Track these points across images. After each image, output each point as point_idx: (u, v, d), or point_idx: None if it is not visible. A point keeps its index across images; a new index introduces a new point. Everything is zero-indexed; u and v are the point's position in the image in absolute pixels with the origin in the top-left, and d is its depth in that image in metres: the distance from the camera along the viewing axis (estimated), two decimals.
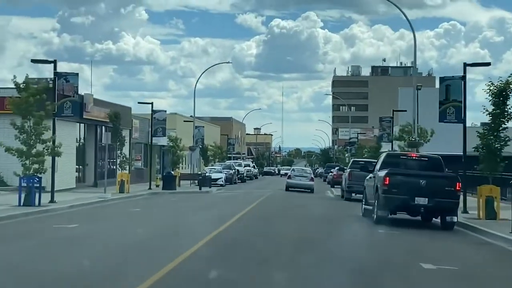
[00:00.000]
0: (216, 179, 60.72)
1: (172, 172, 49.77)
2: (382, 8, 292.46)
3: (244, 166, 78.53)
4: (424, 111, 68.50)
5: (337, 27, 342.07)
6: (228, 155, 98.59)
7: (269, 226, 21.56)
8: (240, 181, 73.89)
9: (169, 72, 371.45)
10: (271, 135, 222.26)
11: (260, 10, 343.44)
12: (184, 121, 70.56)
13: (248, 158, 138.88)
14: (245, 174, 76.41)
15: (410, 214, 24.78)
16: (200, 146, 76.29)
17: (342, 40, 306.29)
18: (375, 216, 24.24)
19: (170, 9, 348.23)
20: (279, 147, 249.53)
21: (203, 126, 69.12)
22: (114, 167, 49.74)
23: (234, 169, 70.22)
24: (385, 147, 72.99)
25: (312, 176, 55.36)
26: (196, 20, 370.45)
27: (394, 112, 53.70)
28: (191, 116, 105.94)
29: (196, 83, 62.14)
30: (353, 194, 40.76)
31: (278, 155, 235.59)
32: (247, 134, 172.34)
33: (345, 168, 47.66)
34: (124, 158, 44.95)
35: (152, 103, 49.72)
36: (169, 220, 23.70)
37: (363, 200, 27.75)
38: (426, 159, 25.62)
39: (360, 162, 42.37)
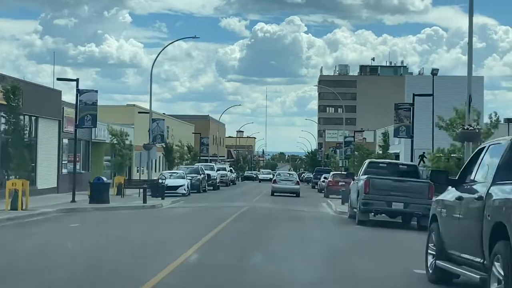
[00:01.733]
0: (176, 187, 45.15)
1: (104, 179, 33.99)
2: (365, 13, 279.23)
3: (218, 170, 62.73)
4: (440, 99, 53.65)
5: (320, 31, 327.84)
6: (202, 157, 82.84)
7: None
8: (211, 188, 58.34)
9: (153, 75, 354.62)
10: (254, 138, 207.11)
11: (243, 14, 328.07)
12: (139, 112, 54.84)
13: (228, 161, 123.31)
14: (218, 180, 60.70)
15: None
16: (164, 145, 60.68)
17: (326, 45, 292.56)
18: None
19: (153, 12, 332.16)
20: (263, 151, 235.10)
21: (163, 119, 53.40)
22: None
23: (203, 173, 54.58)
24: (394, 147, 57.62)
25: (298, 180, 52.31)
26: (180, 24, 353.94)
27: (414, 97, 38.15)
28: (163, 113, 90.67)
29: (154, 62, 45.18)
30: (372, 214, 25.38)
31: (261, 158, 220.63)
32: (229, 137, 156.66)
33: (353, 173, 31.42)
34: (20, 158, 29.09)
35: (77, 80, 34.08)
36: None
37: (431, 246, 11.97)
38: None
39: (382, 165, 26.92)
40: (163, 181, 42.23)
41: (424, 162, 30.78)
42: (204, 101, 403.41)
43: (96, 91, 34.56)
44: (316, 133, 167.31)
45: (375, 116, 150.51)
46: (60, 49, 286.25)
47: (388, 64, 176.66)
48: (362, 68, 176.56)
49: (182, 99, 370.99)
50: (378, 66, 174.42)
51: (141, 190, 40.37)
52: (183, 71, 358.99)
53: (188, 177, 49.44)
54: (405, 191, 24.17)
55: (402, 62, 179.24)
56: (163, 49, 55.40)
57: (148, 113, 48.48)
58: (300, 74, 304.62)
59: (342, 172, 50.32)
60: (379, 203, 24.29)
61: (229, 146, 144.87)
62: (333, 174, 48.77)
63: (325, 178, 53.18)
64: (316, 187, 70.16)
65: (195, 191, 50.85)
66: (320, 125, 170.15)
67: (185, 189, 45.60)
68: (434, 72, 52.38)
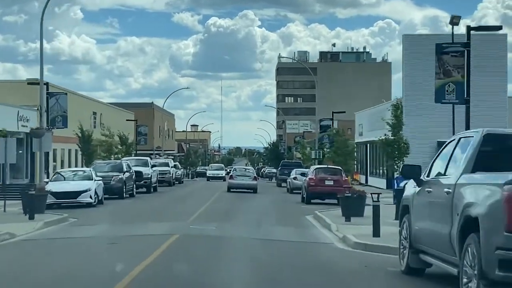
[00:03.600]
0: (76, 194, 27.96)
1: None
2: (317, 7, 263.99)
3: (155, 166, 45.09)
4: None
5: (274, 26, 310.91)
6: (141, 150, 65.46)
7: None
8: (145, 189, 41.30)
9: (106, 72, 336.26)
10: (209, 132, 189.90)
11: (196, 9, 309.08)
12: (29, 83, 36.91)
13: (178, 155, 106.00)
14: (154, 179, 43.31)
15: None
16: (79, 134, 43.28)
17: (280, 39, 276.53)
18: None
19: (105, 8, 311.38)
20: (219, 145, 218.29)
21: (65, 94, 35.89)
22: None
23: (130, 171, 37.37)
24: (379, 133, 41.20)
25: (255, 175, 47.18)
26: (132, 19, 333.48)
27: (470, 33, 21.34)
28: (109, 103, 72.61)
29: (45, 8, 26.60)
30: None
31: (217, 153, 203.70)
32: (183, 131, 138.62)
33: (417, 167, 12.75)
34: None
35: None
36: None
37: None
38: None
39: None
40: (48, 185, 24.92)
41: None
42: (159, 97, 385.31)
43: None
44: (275, 125, 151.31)
45: (338, 105, 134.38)
46: (11, 46, 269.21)
47: (349, 50, 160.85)
48: (322, 54, 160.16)
49: (137, 95, 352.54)
50: (339, 52, 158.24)
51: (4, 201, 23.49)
52: (137, 67, 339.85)
53: (104, 177, 32.52)
54: None
55: (364, 48, 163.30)
56: None
57: (38, 83, 31.10)
58: (255, 68, 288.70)
59: (329, 166, 33.47)
60: None
61: (181, 141, 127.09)
62: (316, 169, 31.64)
63: (301, 174, 35.86)
64: (283, 185, 53.29)
65: (117, 196, 33.93)
66: (279, 116, 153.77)
67: (91, 196, 28.38)
68: (455, 21, 35.98)
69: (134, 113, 75.04)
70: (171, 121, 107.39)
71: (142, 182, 41.08)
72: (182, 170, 65.35)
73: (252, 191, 43.16)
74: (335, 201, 31.31)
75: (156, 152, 76.58)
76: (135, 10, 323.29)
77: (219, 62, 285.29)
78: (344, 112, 51.83)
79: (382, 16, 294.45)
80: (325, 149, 52.90)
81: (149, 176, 41.79)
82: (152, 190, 42.72)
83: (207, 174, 72.49)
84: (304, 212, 26.69)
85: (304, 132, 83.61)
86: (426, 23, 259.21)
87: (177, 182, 59.39)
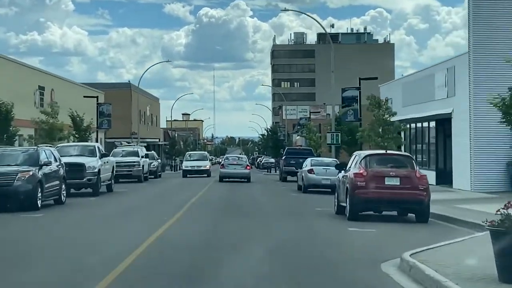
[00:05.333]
0: None
1: None
2: None
3: (104, 156, 29.83)
4: None
5: (265, 15, 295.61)
6: (114, 138, 50.61)
7: None
8: (90, 190, 27.02)
9: (98, 63, 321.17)
10: (201, 120, 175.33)
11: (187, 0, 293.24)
12: None
13: (165, 145, 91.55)
14: (106, 175, 28.42)
15: None
16: None
17: (271, 29, 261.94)
18: None
19: None
20: (212, 135, 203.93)
21: None
22: None
23: (56, 164, 22.58)
24: (422, 108, 26.66)
25: (248, 164, 43.49)
26: (124, 10, 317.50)
27: None
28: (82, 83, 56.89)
29: None
30: None
31: (209, 143, 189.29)
32: (175, 120, 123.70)
33: None
34: None
35: None
36: None
37: None
38: None
39: None
40: None
41: None
42: (151, 88, 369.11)
43: None
44: (272, 111, 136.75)
45: (338, 90, 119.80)
46: (1, 38, 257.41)
47: (349, 31, 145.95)
48: (320, 36, 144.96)
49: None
50: (338, 33, 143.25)
51: None
52: (129, 58, 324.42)
53: (2, 175, 18.26)
54: None
55: (365, 28, 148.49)
56: None
57: None
58: (247, 58, 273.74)
59: (391, 152, 18.49)
60: None
61: (171, 129, 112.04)
62: (367, 158, 16.44)
63: (339, 167, 19.84)
64: (290, 179, 38.82)
65: (26, 205, 19.44)
66: (275, 102, 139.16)
67: None
68: None
69: (105, 93, 60.30)
70: (155, 105, 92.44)
71: (84, 180, 26.44)
72: (159, 161, 50.34)
73: (245, 180, 40.48)
74: (395, 213, 16.84)
75: (133, 137, 62.05)
76: (126, 1, 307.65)
77: (211, 53, 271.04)
78: (376, 78, 37.28)
79: (373, 5, 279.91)
80: (344, 130, 38.40)
81: (96, 170, 26.99)
82: (105, 190, 28.30)
83: (183, 167, 50.33)
84: (364, 249, 11.99)
85: (311, 112, 69.14)
86: (418, 12, 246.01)
87: (152, 176, 44.76)
